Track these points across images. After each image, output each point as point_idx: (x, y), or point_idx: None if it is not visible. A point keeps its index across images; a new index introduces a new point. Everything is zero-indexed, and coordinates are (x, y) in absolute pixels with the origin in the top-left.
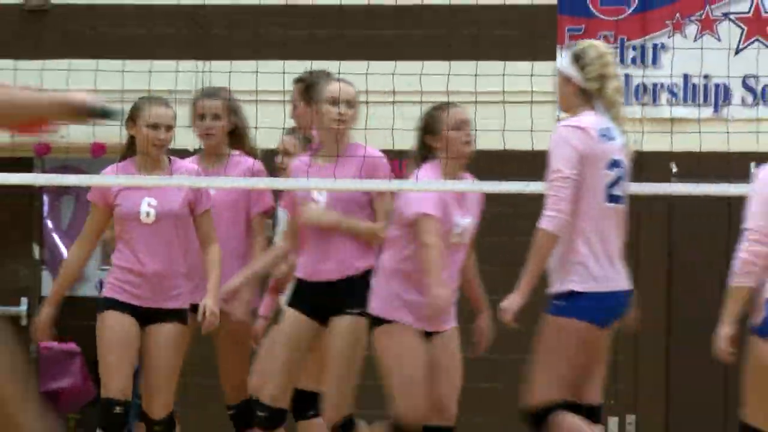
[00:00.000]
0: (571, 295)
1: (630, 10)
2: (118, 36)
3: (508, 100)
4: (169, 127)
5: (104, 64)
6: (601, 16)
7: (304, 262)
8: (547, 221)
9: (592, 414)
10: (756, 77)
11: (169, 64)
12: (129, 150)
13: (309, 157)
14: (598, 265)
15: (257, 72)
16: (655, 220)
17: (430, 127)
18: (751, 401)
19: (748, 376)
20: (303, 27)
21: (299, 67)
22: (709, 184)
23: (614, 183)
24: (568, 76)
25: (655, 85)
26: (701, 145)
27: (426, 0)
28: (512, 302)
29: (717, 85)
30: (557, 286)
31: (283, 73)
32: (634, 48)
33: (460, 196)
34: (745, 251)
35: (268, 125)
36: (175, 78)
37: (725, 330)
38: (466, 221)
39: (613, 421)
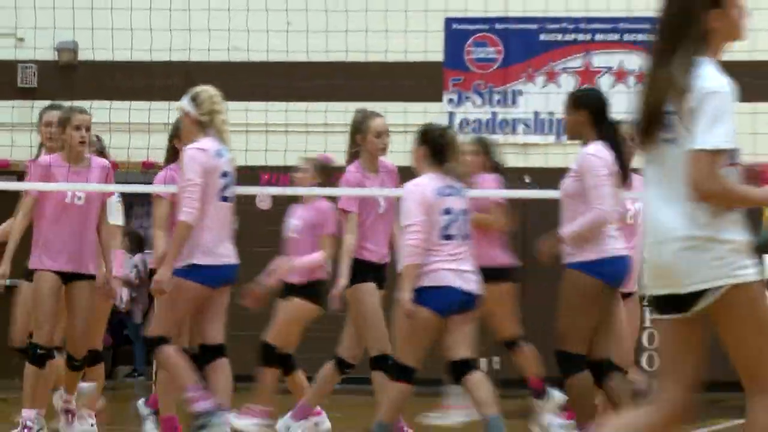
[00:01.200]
0: (194, 266)
1: (496, 66)
2: (127, 83)
3: (408, 130)
4: (88, 128)
5: (117, 104)
6: (475, 70)
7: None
8: (185, 215)
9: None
10: None
11: (164, 104)
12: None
13: (359, 169)
14: (213, 244)
15: (227, 110)
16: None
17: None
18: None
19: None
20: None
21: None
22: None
23: (225, 187)
24: (186, 111)
25: (514, 119)
26: (547, 163)
27: (356, 58)
28: (163, 274)
29: (558, 120)
30: (184, 260)
31: (247, 110)
32: (498, 92)
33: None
34: (412, 240)
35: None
36: (167, 114)
37: (406, 295)
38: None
39: (482, 362)
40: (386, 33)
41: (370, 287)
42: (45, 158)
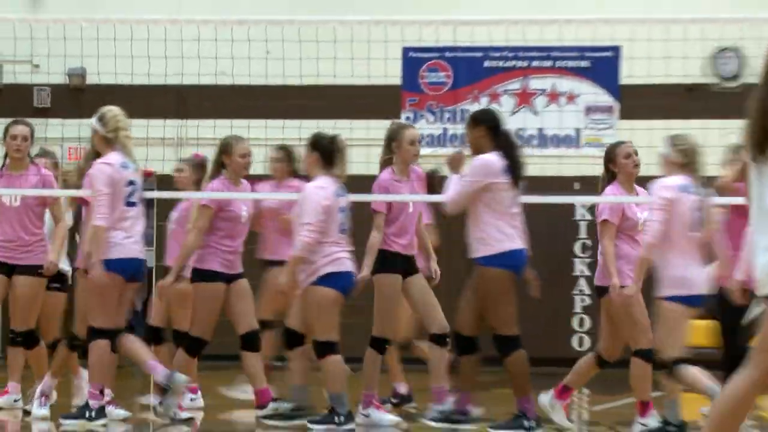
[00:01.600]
0: (109, 260)
1: (446, 88)
2: (128, 104)
3: (370, 144)
4: (24, 138)
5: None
6: (428, 92)
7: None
8: (99, 221)
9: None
10: (524, 129)
11: (160, 121)
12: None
13: (392, 175)
14: (123, 241)
15: (215, 126)
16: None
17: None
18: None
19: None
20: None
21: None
22: None
23: (131, 194)
24: (95, 130)
25: (462, 134)
26: None
27: (326, 82)
28: (97, 271)
29: None
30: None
31: (232, 127)
32: (448, 111)
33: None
34: (308, 237)
35: None
36: (163, 130)
37: (286, 279)
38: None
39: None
40: (352, 60)
41: (392, 278)
42: None
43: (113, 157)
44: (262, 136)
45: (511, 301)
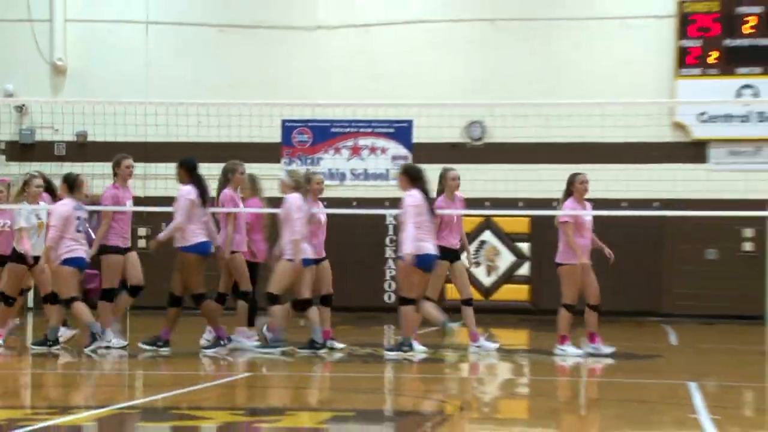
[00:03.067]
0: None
1: (308, 145)
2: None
3: (263, 177)
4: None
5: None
6: (297, 146)
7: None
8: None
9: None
10: (356, 170)
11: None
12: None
13: (444, 199)
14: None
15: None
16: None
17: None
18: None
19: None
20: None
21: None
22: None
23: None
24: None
25: (317, 173)
26: (335, 194)
27: (238, 141)
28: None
29: (342, 173)
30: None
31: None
32: (310, 159)
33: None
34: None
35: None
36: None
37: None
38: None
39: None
40: (250, 127)
41: (441, 263)
42: None
43: (68, 201)
44: (206, 172)
45: (199, 272)
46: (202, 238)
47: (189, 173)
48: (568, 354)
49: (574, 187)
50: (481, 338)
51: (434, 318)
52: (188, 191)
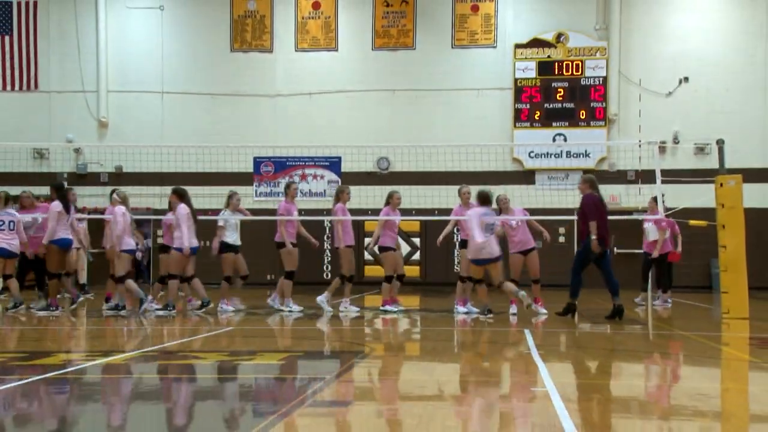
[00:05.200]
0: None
1: (271, 173)
2: (147, 179)
3: (243, 195)
4: None
5: (146, 189)
6: (264, 175)
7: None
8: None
9: None
10: (306, 192)
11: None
12: None
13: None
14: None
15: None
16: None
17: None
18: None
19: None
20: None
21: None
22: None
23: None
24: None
25: (279, 192)
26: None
27: (217, 171)
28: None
29: (297, 190)
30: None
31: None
32: (273, 183)
33: None
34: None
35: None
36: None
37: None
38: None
39: None
40: (237, 161)
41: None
42: None
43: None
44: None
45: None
46: (195, 240)
47: (180, 197)
48: (460, 312)
49: (460, 197)
50: (468, 304)
51: (509, 291)
52: (185, 208)
